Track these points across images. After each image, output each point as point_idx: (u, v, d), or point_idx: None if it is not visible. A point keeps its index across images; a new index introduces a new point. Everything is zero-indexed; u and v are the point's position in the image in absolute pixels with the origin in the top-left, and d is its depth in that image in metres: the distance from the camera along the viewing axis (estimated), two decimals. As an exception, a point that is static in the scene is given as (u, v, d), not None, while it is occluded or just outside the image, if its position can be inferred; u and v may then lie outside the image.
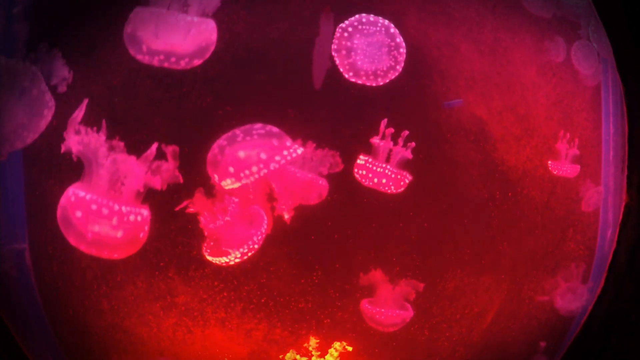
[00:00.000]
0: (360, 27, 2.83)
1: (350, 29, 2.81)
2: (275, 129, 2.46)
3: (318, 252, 3.02)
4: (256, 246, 2.57)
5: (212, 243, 2.56)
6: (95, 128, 2.23)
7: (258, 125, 2.49)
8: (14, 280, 2.72)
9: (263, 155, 2.34)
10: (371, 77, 2.83)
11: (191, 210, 2.50)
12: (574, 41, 3.30)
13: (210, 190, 2.56)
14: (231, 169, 2.38)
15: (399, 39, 2.86)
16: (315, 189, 2.70)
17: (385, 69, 2.85)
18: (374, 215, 3.05)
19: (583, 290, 3.26)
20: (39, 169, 2.75)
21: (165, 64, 2.37)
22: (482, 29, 3.19)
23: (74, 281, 2.83)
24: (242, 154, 2.37)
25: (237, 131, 2.48)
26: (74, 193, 2.13)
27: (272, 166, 2.34)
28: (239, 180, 2.39)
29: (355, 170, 2.81)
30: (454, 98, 3.16)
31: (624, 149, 2.99)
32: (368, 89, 2.91)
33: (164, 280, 2.90)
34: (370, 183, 2.78)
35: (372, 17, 2.83)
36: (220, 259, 2.55)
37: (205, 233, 2.57)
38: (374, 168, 2.76)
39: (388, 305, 2.91)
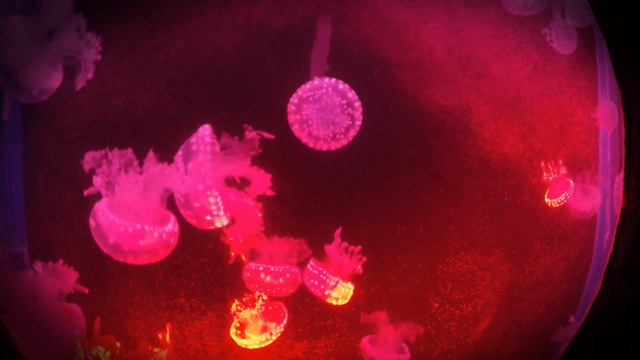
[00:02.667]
0: (305, 95, 2.59)
1: (296, 101, 2.59)
2: (179, 156, 2.40)
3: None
4: (274, 338, 2.79)
5: (237, 326, 2.81)
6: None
7: (173, 174, 2.45)
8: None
9: (201, 187, 2.35)
10: (331, 142, 2.66)
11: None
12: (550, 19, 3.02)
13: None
14: (208, 217, 2.44)
15: (351, 94, 2.62)
16: (290, 277, 2.67)
17: (343, 130, 2.63)
18: (372, 217, 3.03)
19: (594, 189, 3.23)
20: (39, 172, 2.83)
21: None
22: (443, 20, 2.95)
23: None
24: (197, 204, 2.41)
25: (177, 194, 2.47)
26: None
27: (210, 176, 2.35)
28: (218, 217, 2.45)
29: (305, 278, 2.78)
30: (427, 92, 2.95)
31: (621, 151, 2.84)
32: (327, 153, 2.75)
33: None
34: (318, 292, 2.77)
35: (316, 81, 2.57)
36: (242, 341, 2.80)
37: (235, 318, 2.80)
38: (324, 278, 2.75)
39: (388, 347, 2.98)
